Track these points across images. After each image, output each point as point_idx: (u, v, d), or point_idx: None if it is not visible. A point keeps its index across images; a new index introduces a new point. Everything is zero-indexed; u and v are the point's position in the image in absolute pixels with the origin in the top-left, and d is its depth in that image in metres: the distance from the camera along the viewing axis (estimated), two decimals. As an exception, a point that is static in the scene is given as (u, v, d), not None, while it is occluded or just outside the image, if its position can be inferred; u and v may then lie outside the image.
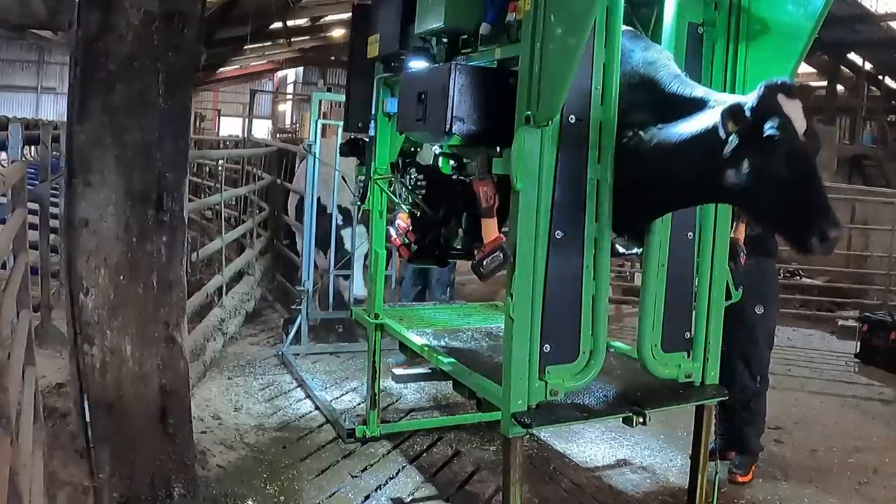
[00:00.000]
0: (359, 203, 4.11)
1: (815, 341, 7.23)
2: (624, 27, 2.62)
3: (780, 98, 2.22)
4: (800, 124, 2.22)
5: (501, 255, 2.64)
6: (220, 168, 7.83)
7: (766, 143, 2.21)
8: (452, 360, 3.20)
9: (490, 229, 2.76)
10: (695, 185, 2.46)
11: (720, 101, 2.37)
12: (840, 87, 20.46)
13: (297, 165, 7.83)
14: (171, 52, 3.06)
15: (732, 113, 2.24)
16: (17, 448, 1.94)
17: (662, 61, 2.56)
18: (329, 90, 20.59)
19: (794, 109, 2.22)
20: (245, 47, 17.91)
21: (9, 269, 2.74)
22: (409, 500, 3.54)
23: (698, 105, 2.40)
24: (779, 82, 2.25)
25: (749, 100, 2.25)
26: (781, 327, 7.52)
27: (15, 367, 2.17)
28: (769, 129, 2.20)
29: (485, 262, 2.68)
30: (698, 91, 2.45)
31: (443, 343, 3.51)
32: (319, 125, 5.93)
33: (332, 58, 24.05)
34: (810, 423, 4.90)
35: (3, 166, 6.65)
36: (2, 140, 6.02)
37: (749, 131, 2.23)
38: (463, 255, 3.45)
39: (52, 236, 5.31)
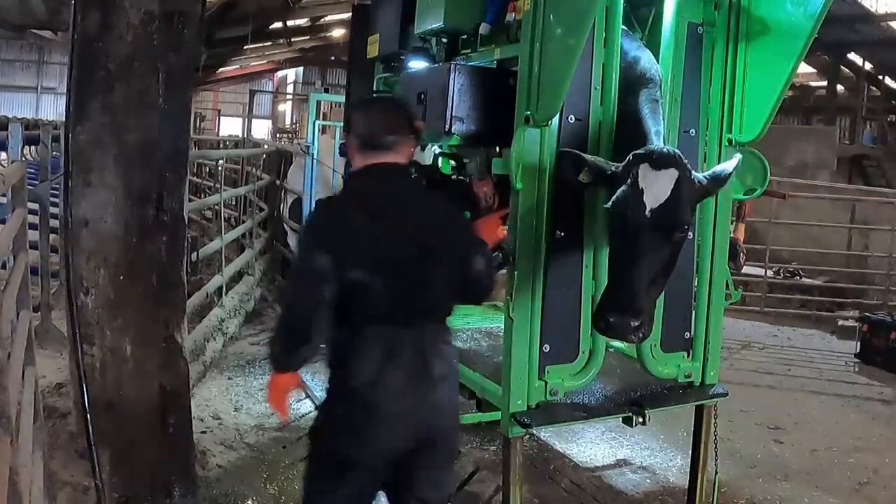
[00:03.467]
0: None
1: (815, 341, 7.23)
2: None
3: (643, 168, 2.19)
4: (653, 199, 2.17)
5: (500, 254, 2.61)
6: (219, 168, 7.83)
7: (610, 212, 2.24)
8: (452, 360, 3.20)
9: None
10: None
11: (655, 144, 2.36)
12: (840, 87, 20.45)
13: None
14: (171, 52, 3.06)
15: (579, 164, 2.29)
16: (17, 448, 1.94)
17: (651, 74, 2.54)
18: (327, 90, 20.58)
19: (654, 181, 2.18)
20: (245, 47, 17.93)
21: (9, 269, 2.74)
22: (409, 499, 3.54)
23: (644, 143, 2.37)
24: (647, 150, 2.23)
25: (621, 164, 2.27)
26: (781, 327, 7.58)
27: (15, 367, 2.17)
28: (614, 197, 2.21)
29: None
30: (651, 129, 2.41)
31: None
32: (318, 126, 5.93)
33: (332, 58, 24.07)
34: (810, 423, 4.90)
35: (3, 166, 6.65)
36: (2, 140, 6.02)
37: (611, 190, 2.26)
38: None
39: (52, 236, 5.31)
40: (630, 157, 2.24)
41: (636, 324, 2.18)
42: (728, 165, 2.34)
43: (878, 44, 16.42)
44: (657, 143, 2.36)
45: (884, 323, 6.42)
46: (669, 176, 2.18)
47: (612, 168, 2.29)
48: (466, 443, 4.16)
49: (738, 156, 2.48)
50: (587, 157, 2.34)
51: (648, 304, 2.23)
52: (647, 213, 2.17)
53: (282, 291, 2.16)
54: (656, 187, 2.17)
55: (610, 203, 2.24)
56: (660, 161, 2.19)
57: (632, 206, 2.18)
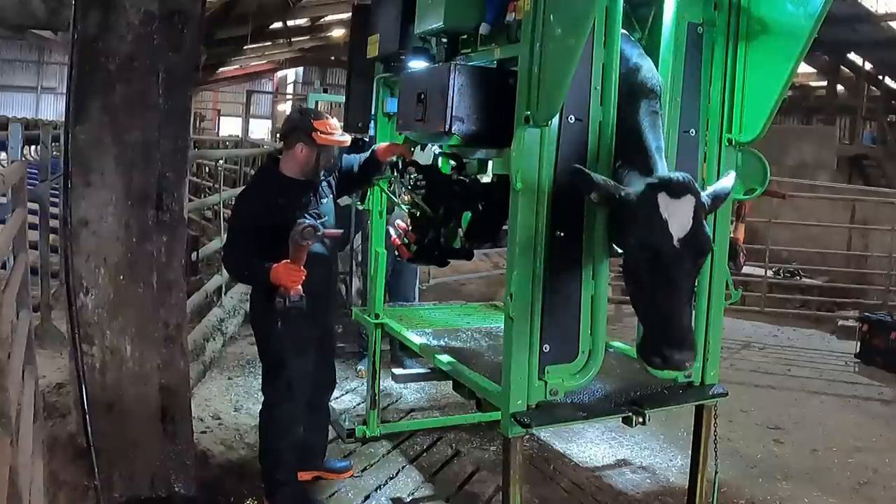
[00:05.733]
0: (358, 203, 4.10)
1: (815, 341, 7.23)
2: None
3: (662, 198, 2.20)
4: (679, 228, 2.19)
5: (280, 301, 2.91)
6: (219, 168, 7.84)
7: (633, 246, 2.25)
8: (452, 359, 3.20)
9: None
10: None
11: (658, 166, 2.39)
12: (840, 87, 20.45)
13: None
14: (171, 52, 3.06)
15: (589, 184, 2.30)
16: (17, 448, 1.94)
17: (652, 84, 2.54)
18: (326, 90, 20.55)
19: (676, 210, 2.20)
20: (245, 47, 17.90)
21: (9, 269, 2.74)
22: (409, 500, 3.54)
23: (644, 161, 2.41)
24: (663, 180, 2.24)
25: (637, 191, 2.27)
26: (781, 327, 7.58)
27: (15, 367, 2.18)
28: (640, 233, 2.22)
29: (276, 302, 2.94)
30: (652, 145, 2.44)
31: (443, 343, 3.51)
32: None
33: (332, 58, 24.04)
34: (810, 423, 4.90)
35: (3, 166, 6.64)
36: (2, 140, 6.03)
37: (629, 226, 2.27)
38: (463, 256, 3.44)
39: (52, 236, 5.31)
40: (645, 186, 2.25)
41: (691, 354, 2.22)
42: (727, 183, 2.40)
43: (878, 44, 16.41)
44: (659, 161, 2.40)
45: (884, 323, 6.42)
46: (689, 203, 2.22)
47: (622, 193, 2.29)
48: (466, 443, 4.16)
49: (733, 173, 2.54)
50: (597, 177, 2.33)
51: (692, 330, 2.27)
52: (675, 243, 2.19)
53: None
54: (680, 216, 2.20)
55: (635, 240, 2.24)
56: (678, 189, 2.21)
57: (660, 238, 2.19)
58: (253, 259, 3.00)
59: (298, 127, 3.10)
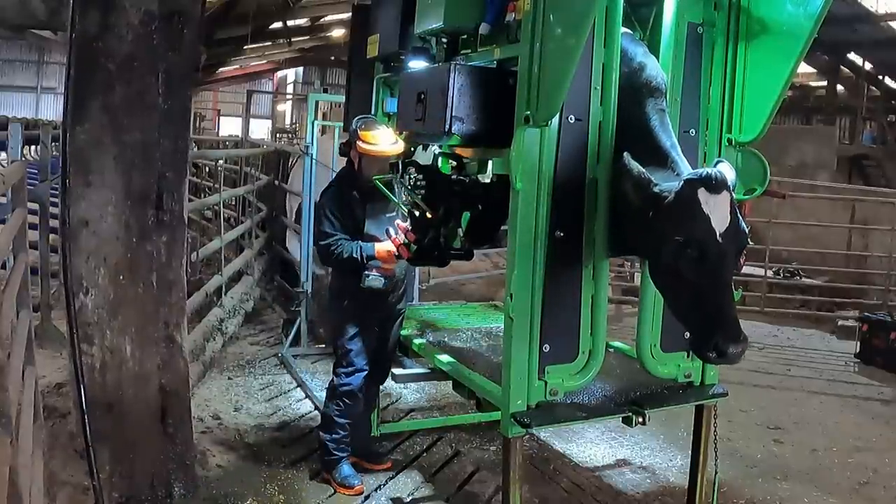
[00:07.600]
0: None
1: (815, 341, 7.23)
2: (623, 29, 2.61)
3: (702, 194, 2.20)
4: (720, 222, 2.20)
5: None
6: (219, 168, 7.83)
7: (678, 244, 2.22)
8: (452, 359, 3.20)
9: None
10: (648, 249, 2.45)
11: (678, 163, 2.39)
12: (840, 87, 20.45)
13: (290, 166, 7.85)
14: (171, 52, 3.06)
15: (638, 186, 2.30)
16: (17, 448, 1.94)
17: (657, 83, 2.54)
18: (326, 90, 20.51)
19: (716, 205, 2.20)
20: (245, 47, 17.91)
21: (9, 269, 2.74)
22: (409, 500, 3.54)
23: (660, 159, 2.41)
24: (701, 175, 2.23)
25: (670, 188, 2.26)
26: (781, 327, 7.58)
27: (15, 367, 2.17)
28: (682, 230, 2.20)
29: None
30: (666, 142, 2.44)
31: (442, 343, 3.51)
32: (317, 126, 5.92)
33: (332, 58, 24.03)
34: (810, 423, 4.90)
35: (3, 166, 6.64)
36: (2, 140, 6.02)
37: (667, 223, 2.24)
38: (462, 256, 3.44)
39: (52, 236, 5.30)
40: (683, 183, 2.24)
41: (746, 345, 2.22)
42: (731, 175, 2.38)
43: (878, 44, 16.41)
44: (678, 157, 2.40)
45: (884, 323, 6.42)
46: (726, 198, 2.22)
47: (657, 190, 2.28)
48: (466, 443, 4.16)
49: (726, 162, 2.50)
50: (637, 167, 2.32)
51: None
52: (718, 238, 2.19)
53: None
54: (720, 211, 2.20)
55: (677, 237, 2.22)
56: (716, 185, 2.21)
57: (705, 234, 2.19)
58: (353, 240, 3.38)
59: (352, 134, 3.44)
